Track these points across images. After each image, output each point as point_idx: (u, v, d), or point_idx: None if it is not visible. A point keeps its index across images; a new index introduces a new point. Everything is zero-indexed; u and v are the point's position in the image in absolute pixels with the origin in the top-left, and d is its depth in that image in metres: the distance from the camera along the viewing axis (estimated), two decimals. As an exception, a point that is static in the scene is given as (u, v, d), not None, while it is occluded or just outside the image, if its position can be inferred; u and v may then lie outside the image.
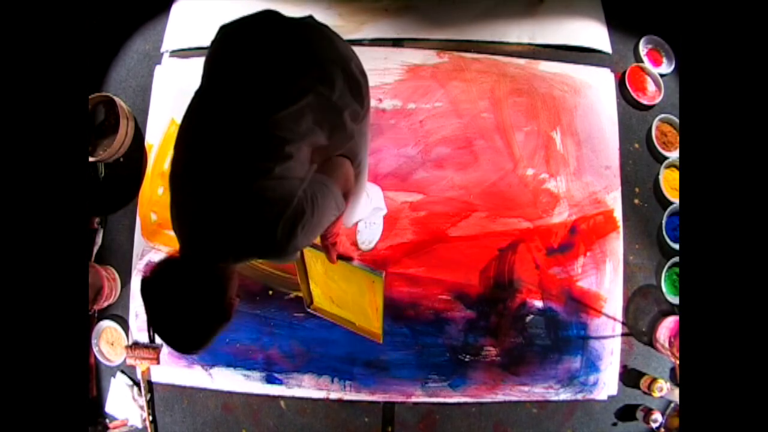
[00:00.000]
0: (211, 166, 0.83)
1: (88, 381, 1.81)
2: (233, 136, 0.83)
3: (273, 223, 0.82)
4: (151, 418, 1.79)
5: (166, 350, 1.79)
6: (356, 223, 1.79)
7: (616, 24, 2.01)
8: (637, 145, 1.93)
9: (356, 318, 1.58)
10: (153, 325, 0.92)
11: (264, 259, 0.89)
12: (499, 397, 1.77)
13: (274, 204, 0.82)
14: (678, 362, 1.72)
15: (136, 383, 1.80)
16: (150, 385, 1.80)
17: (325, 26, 0.98)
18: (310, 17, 1.00)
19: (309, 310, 1.64)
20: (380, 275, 1.26)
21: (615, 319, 1.81)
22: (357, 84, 0.94)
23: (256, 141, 0.82)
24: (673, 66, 1.99)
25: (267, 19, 0.94)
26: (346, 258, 1.24)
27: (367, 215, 1.67)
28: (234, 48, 0.91)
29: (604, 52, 1.98)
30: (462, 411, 1.77)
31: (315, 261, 1.40)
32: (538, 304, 1.80)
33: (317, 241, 1.16)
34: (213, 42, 0.94)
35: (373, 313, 1.48)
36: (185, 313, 0.89)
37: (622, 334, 1.81)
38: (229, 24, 0.94)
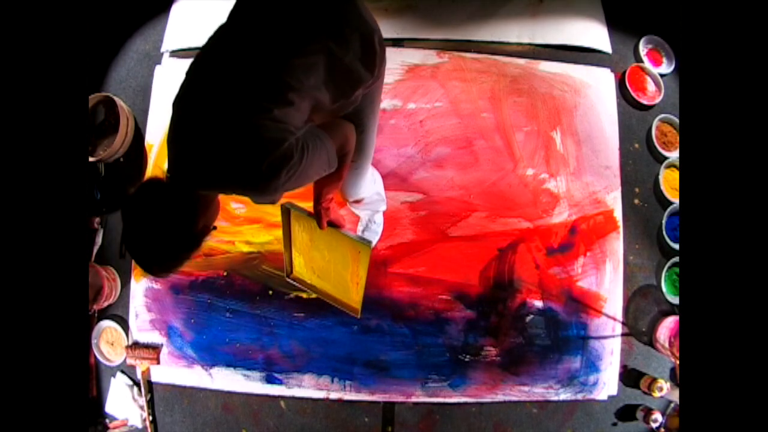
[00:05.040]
0: (218, 94, 0.86)
1: (88, 381, 1.81)
2: (245, 70, 0.86)
3: (260, 159, 0.85)
4: (151, 418, 1.79)
5: (166, 350, 1.80)
6: (357, 220, 1.79)
7: (616, 24, 2.01)
8: (637, 145, 1.93)
9: (335, 290, 1.55)
10: (125, 240, 0.94)
11: (243, 193, 0.91)
12: (499, 397, 1.77)
13: (266, 142, 0.85)
14: (678, 362, 1.72)
15: (136, 383, 1.80)
16: (150, 385, 1.80)
17: None
18: None
19: (288, 279, 1.59)
20: (368, 244, 1.25)
21: (615, 319, 1.81)
22: (372, 52, 0.96)
23: (265, 80, 0.85)
24: (673, 66, 1.99)
25: None
26: (336, 225, 1.25)
27: (371, 200, 1.63)
28: None
29: (604, 52, 1.98)
30: (462, 411, 1.77)
31: (302, 230, 1.41)
32: (538, 304, 1.80)
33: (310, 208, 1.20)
34: None
35: (354, 286, 1.47)
36: (156, 231, 0.92)
37: (622, 334, 1.81)
38: None
